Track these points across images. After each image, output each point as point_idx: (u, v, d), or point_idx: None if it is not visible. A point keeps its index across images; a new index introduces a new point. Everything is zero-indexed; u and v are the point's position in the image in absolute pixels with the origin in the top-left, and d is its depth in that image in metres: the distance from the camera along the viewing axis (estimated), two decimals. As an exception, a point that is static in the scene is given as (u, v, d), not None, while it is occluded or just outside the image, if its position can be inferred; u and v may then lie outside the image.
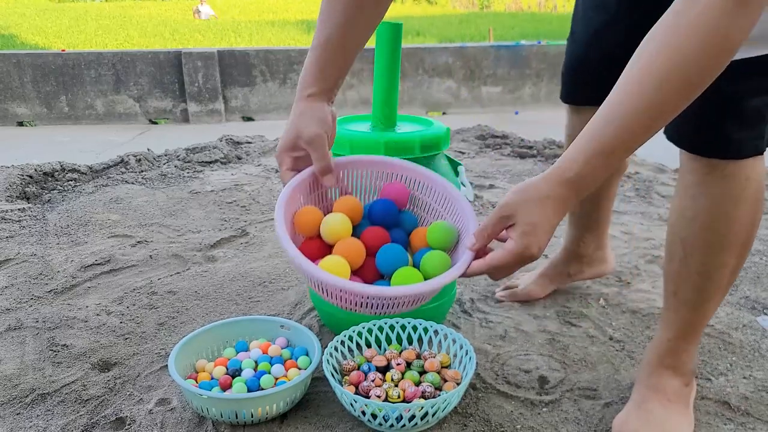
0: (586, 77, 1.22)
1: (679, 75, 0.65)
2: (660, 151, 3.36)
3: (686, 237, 0.94)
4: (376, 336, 1.18)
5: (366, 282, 0.83)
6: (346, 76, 0.91)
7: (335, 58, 0.86)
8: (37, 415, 1.06)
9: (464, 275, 0.77)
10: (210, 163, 2.73)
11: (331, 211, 0.89)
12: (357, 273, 0.84)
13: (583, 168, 0.71)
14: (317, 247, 0.85)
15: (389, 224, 0.88)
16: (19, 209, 2.06)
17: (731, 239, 0.92)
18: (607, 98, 0.71)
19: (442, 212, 0.89)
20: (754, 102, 0.85)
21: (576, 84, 1.27)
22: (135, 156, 2.71)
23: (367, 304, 0.75)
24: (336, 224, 0.84)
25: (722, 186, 0.90)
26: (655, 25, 0.68)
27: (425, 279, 0.79)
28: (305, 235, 0.86)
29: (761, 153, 0.90)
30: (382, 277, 0.85)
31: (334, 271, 0.77)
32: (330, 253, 0.83)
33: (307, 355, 1.16)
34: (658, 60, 0.66)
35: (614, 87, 0.70)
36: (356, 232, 0.87)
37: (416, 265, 0.85)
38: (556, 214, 0.73)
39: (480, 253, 0.78)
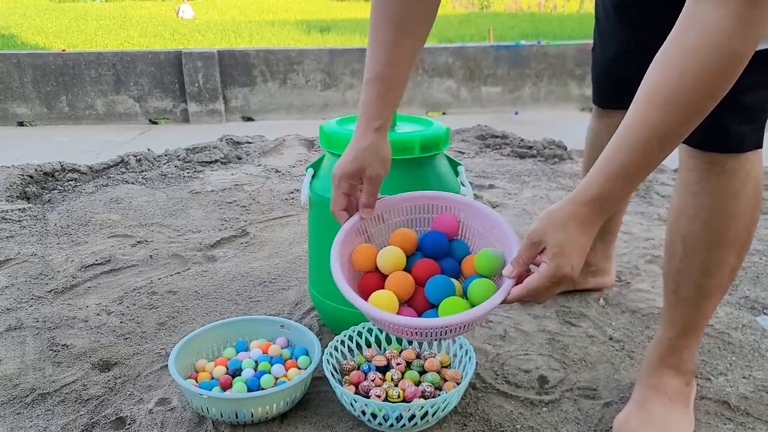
0: (613, 85, 1.24)
1: (683, 98, 0.66)
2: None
3: (687, 235, 0.94)
4: (376, 336, 1.18)
5: (417, 311, 0.89)
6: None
7: (395, 86, 0.92)
8: (38, 415, 1.06)
9: (505, 302, 0.81)
10: (210, 163, 2.73)
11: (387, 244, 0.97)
12: (409, 303, 0.91)
13: (601, 189, 0.73)
14: (375, 280, 0.92)
15: (440, 255, 0.95)
16: (19, 209, 2.06)
17: (731, 236, 0.92)
18: (623, 120, 0.72)
19: (489, 238, 0.94)
20: (753, 96, 0.86)
21: (605, 90, 1.28)
22: (135, 156, 2.72)
23: (413, 333, 0.83)
24: (390, 257, 0.92)
25: (722, 182, 0.90)
26: (662, 46, 0.69)
27: (471, 306, 0.84)
28: (363, 270, 0.94)
29: (761, 146, 0.90)
30: (432, 306, 0.89)
31: (383, 304, 0.85)
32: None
33: (307, 354, 1.16)
34: (662, 84, 0.67)
35: (629, 109, 0.71)
36: (410, 262, 0.94)
37: (465, 292, 0.89)
38: (582, 233, 0.75)
39: (520, 279, 0.81)
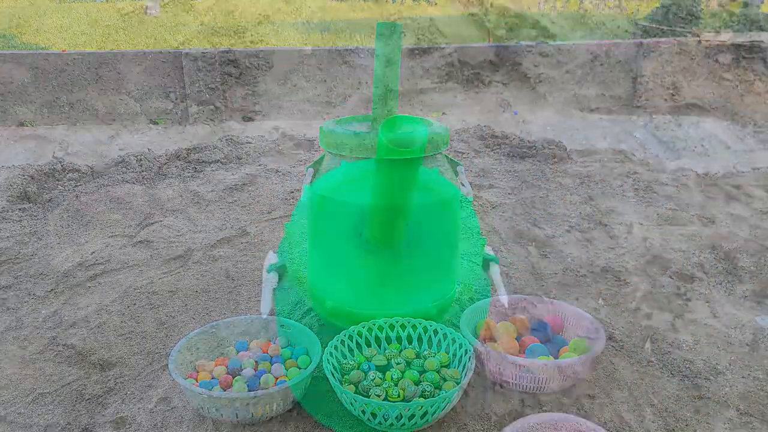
0: None
1: None
2: (659, 151, 3.34)
3: None
4: (376, 335, 1.19)
5: None
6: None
7: None
8: (38, 415, 1.07)
9: None
10: (210, 163, 2.73)
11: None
12: None
13: None
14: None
15: (543, 338, 1.23)
16: (20, 209, 2.06)
17: None
18: None
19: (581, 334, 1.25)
20: None
21: None
22: (135, 156, 2.72)
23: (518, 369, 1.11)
24: (504, 327, 1.25)
25: None
26: None
27: None
28: (484, 339, 1.23)
29: None
30: None
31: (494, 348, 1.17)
32: None
33: (307, 354, 1.16)
34: None
35: None
36: (519, 339, 1.23)
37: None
38: None
39: None
